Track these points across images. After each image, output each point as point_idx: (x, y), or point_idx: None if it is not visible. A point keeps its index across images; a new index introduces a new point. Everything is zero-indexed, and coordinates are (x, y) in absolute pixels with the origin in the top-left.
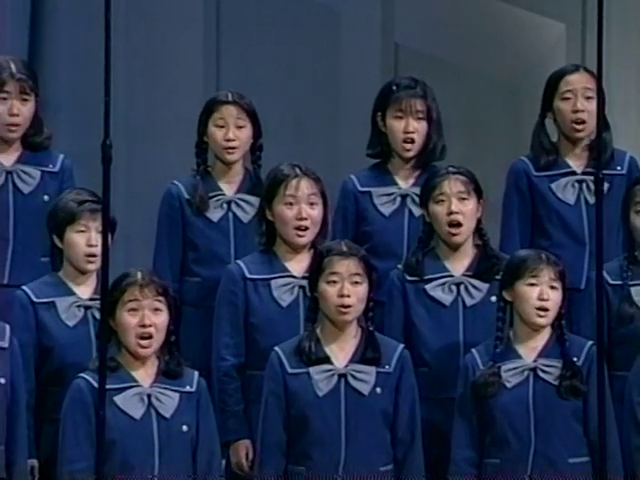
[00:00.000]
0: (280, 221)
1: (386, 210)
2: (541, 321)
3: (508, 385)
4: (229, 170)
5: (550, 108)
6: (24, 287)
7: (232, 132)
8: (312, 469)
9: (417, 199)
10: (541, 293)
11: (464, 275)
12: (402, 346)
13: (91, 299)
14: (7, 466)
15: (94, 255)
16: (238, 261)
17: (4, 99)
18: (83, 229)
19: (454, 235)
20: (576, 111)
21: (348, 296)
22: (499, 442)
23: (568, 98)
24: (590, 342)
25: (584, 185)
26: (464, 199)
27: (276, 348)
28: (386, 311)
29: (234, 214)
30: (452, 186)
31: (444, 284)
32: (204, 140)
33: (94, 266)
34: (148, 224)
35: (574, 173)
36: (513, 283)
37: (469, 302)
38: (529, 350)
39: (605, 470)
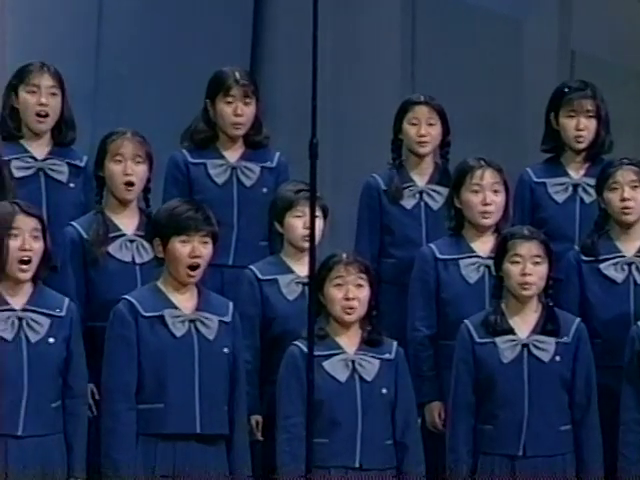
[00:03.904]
0: (467, 207)
1: (559, 198)
2: None
3: None
4: (421, 163)
5: None
6: (251, 266)
7: (424, 129)
8: (498, 428)
9: (588, 188)
10: None
11: (635, 256)
12: (579, 319)
13: (307, 277)
14: (229, 423)
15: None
16: (430, 244)
17: (229, 102)
18: (300, 214)
19: (626, 215)
20: None
21: (530, 275)
22: None
23: None
24: None
25: None
26: (636, 187)
27: (465, 321)
28: (563, 288)
29: (425, 203)
30: (625, 175)
31: (617, 264)
32: (399, 137)
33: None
34: (351, 212)
35: None
36: None
37: None
38: None
39: None
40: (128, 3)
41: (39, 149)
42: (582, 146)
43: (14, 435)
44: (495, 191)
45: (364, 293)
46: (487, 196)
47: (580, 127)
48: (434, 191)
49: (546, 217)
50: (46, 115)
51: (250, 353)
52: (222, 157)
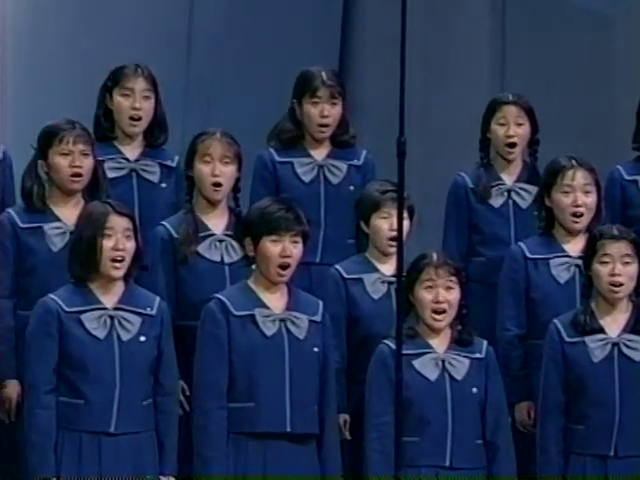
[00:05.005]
0: (557, 207)
1: None
2: None
3: None
4: (509, 162)
5: None
6: (336, 265)
7: (512, 129)
8: (589, 428)
9: None
10: None
11: None
12: None
13: (393, 276)
14: (320, 422)
15: (395, 239)
16: (520, 243)
17: (316, 103)
18: (386, 215)
19: None
20: None
21: (619, 275)
22: None
23: None
24: None
25: None
26: None
27: (555, 320)
28: None
29: (514, 201)
30: None
31: None
32: (487, 137)
33: (394, 249)
34: (438, 210)
35: None
36: None
37: None
38: None
39: None
40: (218, 5)
41: (131, 150)
42: None
43: (107, 432)
44: (586, 192)
45: (454, 295)
46: (578, 197)
47: None
48: (522, 189)
49: (637, 215)
50: (139, 119)
51: (337, 352)
52: (309, 155)
